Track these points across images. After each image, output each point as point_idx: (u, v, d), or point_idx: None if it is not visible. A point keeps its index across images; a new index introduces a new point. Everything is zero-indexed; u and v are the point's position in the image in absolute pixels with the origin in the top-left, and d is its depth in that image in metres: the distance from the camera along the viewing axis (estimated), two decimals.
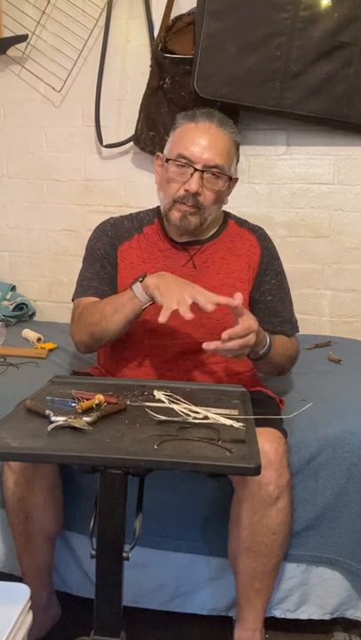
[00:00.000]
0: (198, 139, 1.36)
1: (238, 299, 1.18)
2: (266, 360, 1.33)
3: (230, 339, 1.17)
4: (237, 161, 1.46)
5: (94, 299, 1.43)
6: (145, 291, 1.27)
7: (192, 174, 1.35)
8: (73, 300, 1.49)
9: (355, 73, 1.94)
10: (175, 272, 1.41)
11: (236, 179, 1.46)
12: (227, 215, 1.54)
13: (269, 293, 1.47)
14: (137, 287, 1.28)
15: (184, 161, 1.36)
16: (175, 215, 1.39)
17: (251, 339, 1.20)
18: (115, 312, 1.32)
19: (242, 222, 1.54)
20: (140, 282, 1.28)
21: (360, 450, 1.32)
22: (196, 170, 1.35)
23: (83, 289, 1.46)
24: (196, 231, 1.44)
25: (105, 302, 1.37)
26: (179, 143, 1.38)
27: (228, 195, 1.46)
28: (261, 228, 1.54)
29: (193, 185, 1.35)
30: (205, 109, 1.44)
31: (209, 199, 1.38)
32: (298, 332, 1.52)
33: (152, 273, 1.31)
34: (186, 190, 1.36)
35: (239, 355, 1.23)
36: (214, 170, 1.36)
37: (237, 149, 1.44)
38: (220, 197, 1.42)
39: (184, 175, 1.36)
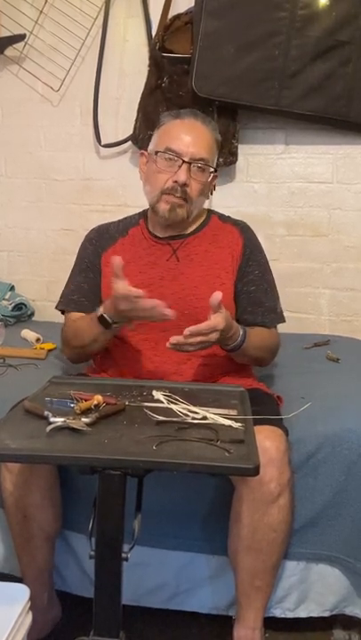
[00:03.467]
0: (185, 134, 1.43)
1: (217, 296, 1.24)
2: (240, 352, 1.37)
3: (192, 335, 1.22)
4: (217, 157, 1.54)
5: (76, 315, 1.51)
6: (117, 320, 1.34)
7: (180, 166, 1.41)
8: (56, 308, 1.58)
9: (353, 72, 1.94)
10: (159, 266, 1.48)
11: (217, 175, 1.53)
12: (209, 211, 1.59)
13: (253, 284, 1.49)
14: (112, 329, 1.36)
15: (172, 154, 1.42)
16: (163, 207, 1.44)
17: (212, 337, 1.24)
18: (94, 341, 1.41)
19: (225, 218, 1.59)
20: (112, 324, 1.34)
21: (359, 447, 1.33)
22: (184, 162, 1.41)
23: (66, 301, 1.55)
24: (183, 224, 1.48)
25: (83, 329, 1.43)
26: (166, 137, 1.45)
27: (211, 190, 1.53)
28: (244, 222, 1.58)
29: (182, 176, 1.40)
30: (188, 109, 1.53)
31: (195, 191, 1.44)
32: (283, 321, 1.55)
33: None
34: (175, 182, 1.41)
35: (197, 349, 1.27)
36: (200, 163, 1.43)
37: (217, 146, 1.51)
38: (205, 190, 1.48)
39: (172, 167, 1.42)
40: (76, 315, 1.52)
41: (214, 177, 1.51)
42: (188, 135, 1.43)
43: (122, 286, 1.26)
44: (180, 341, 1.22)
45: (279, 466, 1.19)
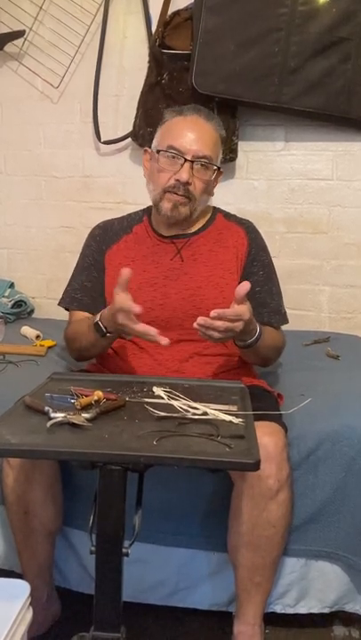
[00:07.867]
0: (187, 131, 1.42)
1: (245, 287, 1.22)
2: (253, 349, 1.36)
3: (219, 318, 1.19)
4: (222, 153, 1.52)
5: (80, 315, 1.51)
6: (112, 330, 1.33)
7: (182, 164, 1.40)
8: (59, 305, 1.57)
9: (353, 68, 1.93)
10: (163, 265, 1.47)
11: (222, 171, 1.51)
12: (215, 209, 1.58)
13: (257, 285, 1.48)
14: (107, 337, 1.35)
15: (174, 152, 1.41)
16: (166, 205, 1.43)
17: (238, 326, 1.22)
18: (92, 346, 1.42)
19: (230, 216, 1.58)
20: (106, 333, 1.34)
21: (359, 444, 1.33)
22: (186, 160, 1.40)
23: (69, 299, 1.55)
24: (186, 222, 1.47)
25: (82, 333, 1.43)
26: (168, 135, 1.44)
27: (215, 187, 1.52)
28: (249, 221, 1.57)
29: (184, 174, 1.39)
30: (192, 105, 1.53)
31: (199, 189, 1.43)
32: (287, 322, 1.54)
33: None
34: (177, 180, 1.40)
35: (221, 339, 1.25)
36: (203, 160, 1.42)
37: (222, 142, 1.50)
38: (208, 188, 1.47)
39: (174, 166, 1.41)
40: (79, 314, 1.52)
41: (219, 174, 1.49)
42: (190, 132, 1.42)
43: (123, 299, 1.24)
44: (207, 321, 1.19)
45: (278, 462, 1.19)
